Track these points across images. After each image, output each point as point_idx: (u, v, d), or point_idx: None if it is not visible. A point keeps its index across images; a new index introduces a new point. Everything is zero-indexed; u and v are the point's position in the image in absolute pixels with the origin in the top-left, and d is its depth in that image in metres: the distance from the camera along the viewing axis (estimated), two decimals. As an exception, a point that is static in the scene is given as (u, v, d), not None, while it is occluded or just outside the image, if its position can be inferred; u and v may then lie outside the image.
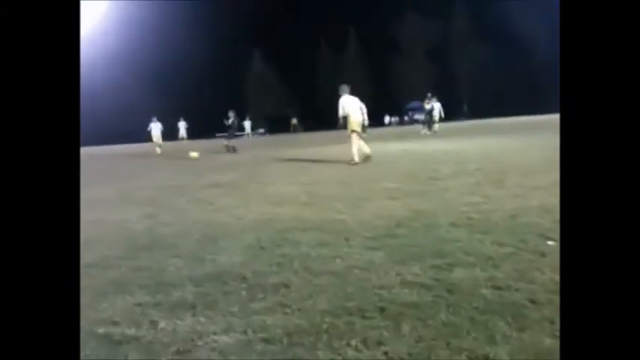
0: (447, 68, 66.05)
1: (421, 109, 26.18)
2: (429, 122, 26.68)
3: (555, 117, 37.29)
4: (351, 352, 2.32)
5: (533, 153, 11.34)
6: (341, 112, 11.93)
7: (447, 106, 29.22)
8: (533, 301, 2.77)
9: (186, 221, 5.87)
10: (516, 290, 2.94)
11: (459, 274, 3.29)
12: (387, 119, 61.44)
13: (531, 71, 58.22)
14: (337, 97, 12.11)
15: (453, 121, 27.44)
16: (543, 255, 3.58)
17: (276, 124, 60.51)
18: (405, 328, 2.53)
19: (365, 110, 12.00)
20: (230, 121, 21.90)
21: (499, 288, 3.00)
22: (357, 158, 11.64)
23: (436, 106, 27.02)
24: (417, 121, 27.46)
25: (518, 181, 7.11)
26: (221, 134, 23.15)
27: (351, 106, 11.91)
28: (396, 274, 3.34)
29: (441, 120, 27.46)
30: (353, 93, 12.14)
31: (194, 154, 17.59)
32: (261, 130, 60.50)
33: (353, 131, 11.86)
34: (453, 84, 63.47)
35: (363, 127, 11.97)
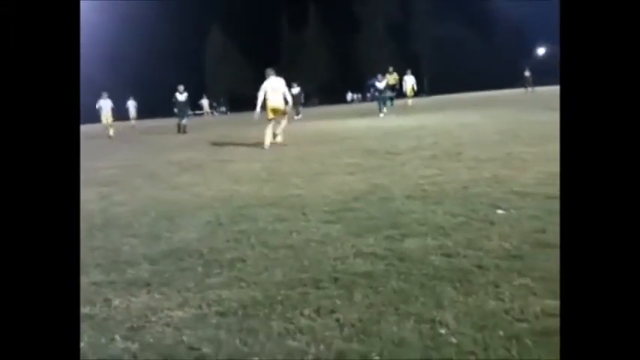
0: (408, 44, 66.29)
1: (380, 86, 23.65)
2: (383, 101, 21.81)
3: (511, 91, 37.94)
4: (304, 321, 2.37)
5: (490, 127, 11.62)
6: (261, 98, 11.00)
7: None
8: (479, 267, 2.89)
9: (142, 200, 5.79)
10: (464, 257, 3.05)
11: (411, 243, 3.39)
12: (349, 96, 61.47)
13: (491, 48, 59.05)
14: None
15: (414, 98, 27.58)
16: (492, 223, 3.72)
17: (239, 103, 59.58)
18: (357, 296, 2.60)
19: (289, 95, 11.24)
20: (180, 97, 20.15)
21: (448, 255, 3.10)
22: (268, 142, 10.79)
23: (409, 80, 26.11)
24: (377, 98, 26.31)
25: (473, 154, 7.29)
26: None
27: (272, 89, 10.97)
28: (352, 245, 3.41)
29: (414, 94, 26.59)
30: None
31: None
32: (223, 109, 59.51)
33: (272, 118, 10.98)
34: (414, 60, 63.82)
35: (284, 112, 11.22)
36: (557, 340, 2.03)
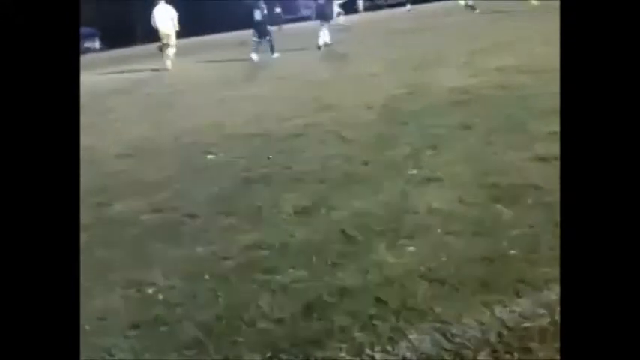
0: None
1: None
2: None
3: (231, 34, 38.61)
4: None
5: (208, 71, 11.66)
6: (154, 25, 11.97)
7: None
8: (191, 216, 2.91)
9: None
10: (174, 209, 3.04)
11: (120, 206, 3.22)
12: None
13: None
14: None
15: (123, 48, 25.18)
16: (203, 170, 3.79)
17: None
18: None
19: (175, 18, 11.97)
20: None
21: (159, 211, 3.05)
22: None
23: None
24: (89, 50, 23.31)
25: (190, 101, 7.27)
26: None
27: (162, 17, 11.83)
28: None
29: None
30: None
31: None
32: None
33: (165, 45, 11.92)
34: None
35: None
36: (258, 270, 2.22)
